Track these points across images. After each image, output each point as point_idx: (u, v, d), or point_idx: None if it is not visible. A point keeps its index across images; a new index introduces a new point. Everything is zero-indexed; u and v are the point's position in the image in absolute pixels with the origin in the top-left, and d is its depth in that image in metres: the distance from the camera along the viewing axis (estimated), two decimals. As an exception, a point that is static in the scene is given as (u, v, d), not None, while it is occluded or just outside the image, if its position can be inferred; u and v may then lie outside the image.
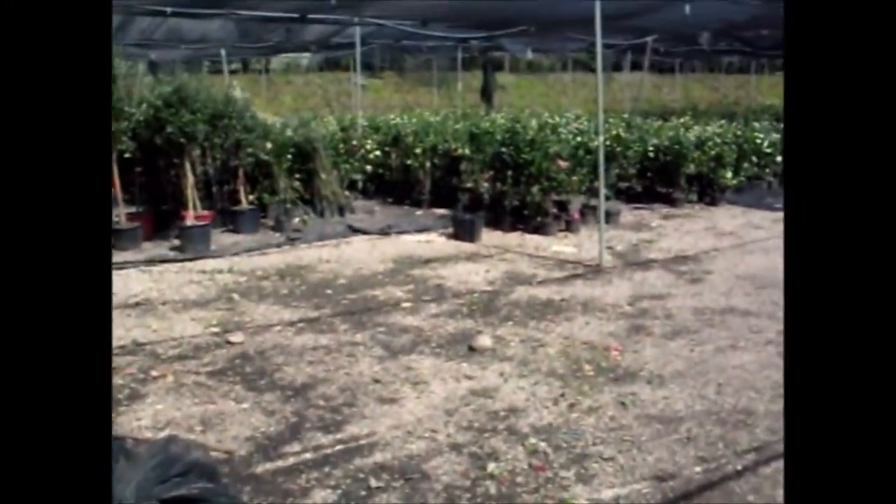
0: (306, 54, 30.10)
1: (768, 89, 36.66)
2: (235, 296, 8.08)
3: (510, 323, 7.08)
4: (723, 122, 16.72)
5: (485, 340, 6.47)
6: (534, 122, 15.15)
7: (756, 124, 16.29)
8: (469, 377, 5.83)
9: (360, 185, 14.12)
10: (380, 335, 6.77)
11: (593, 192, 12.12)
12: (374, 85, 33.86)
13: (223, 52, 19.93)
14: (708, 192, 13.94)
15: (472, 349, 6.38)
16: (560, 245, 10.41)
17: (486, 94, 24.90)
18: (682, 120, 16.98)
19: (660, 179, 14.04)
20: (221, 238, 10.95)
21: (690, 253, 9.91)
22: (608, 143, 12.47)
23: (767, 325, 6.96)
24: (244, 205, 11.69)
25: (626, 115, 18.43)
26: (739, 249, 10.11)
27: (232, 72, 34.42)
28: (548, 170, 10.94)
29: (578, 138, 12.30)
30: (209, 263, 9.56)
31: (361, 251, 10.13)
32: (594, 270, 8.98)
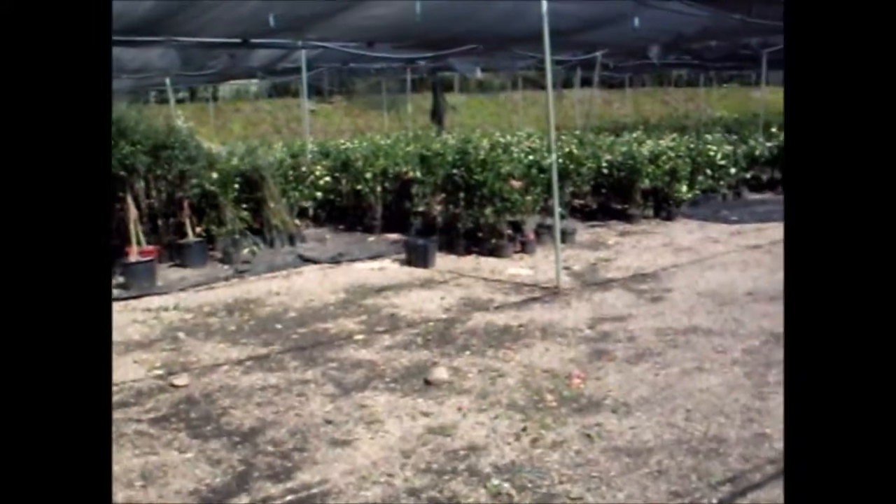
0: (254, 81, 29.82)
1: (717, 101, 36.86)
2: (181, 334, 7.73)
3: (467, 353, 6.80)
4: (675, 135, 16.64)
5: (441, 373, 6.18)
6: (485, 142, 15.02)
7: (708, 136, 16.22)
8: (426, 414, 5.54)
9: (310, 212, 13.81)
10: (332, 371, 6.46)
11: (548, 212, 11.92)
12: (324, 110, 33.56)
13: (167, 80, 19.54)
14: (663, 206, 13.78)
15: (428, 383, 6.09)
16: (516, 267, 10.17)
17: (437, 115, 24.68)
18: (634, 135, 16.88)
19: (615, 196, 13.87)
20: (168, 273, 10.58)
21: (649, 270, 9.70)
22: (561, 160, 12.30)
23: (731, 345, 6.75)
24: (190, 238, 11.32)
25: (577, 132, 18.33)
26: (698, 265, 9.92)
27: (179, 101, 34.04)
28: (500, 190, 10.70)
29: (531, 157, 12.09)
30: (154, 301, 9.20)
31: (312, 282, 9.82)
32: (552, 293, 8.73)
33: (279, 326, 7.87)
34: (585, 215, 13.70)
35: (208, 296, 9.35)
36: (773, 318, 7.49)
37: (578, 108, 28.60)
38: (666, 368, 6.24)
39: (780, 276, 9.06)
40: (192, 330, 7.89)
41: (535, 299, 8.53)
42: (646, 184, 13.44)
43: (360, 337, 7.38)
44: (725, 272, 9.45)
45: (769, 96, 23.74)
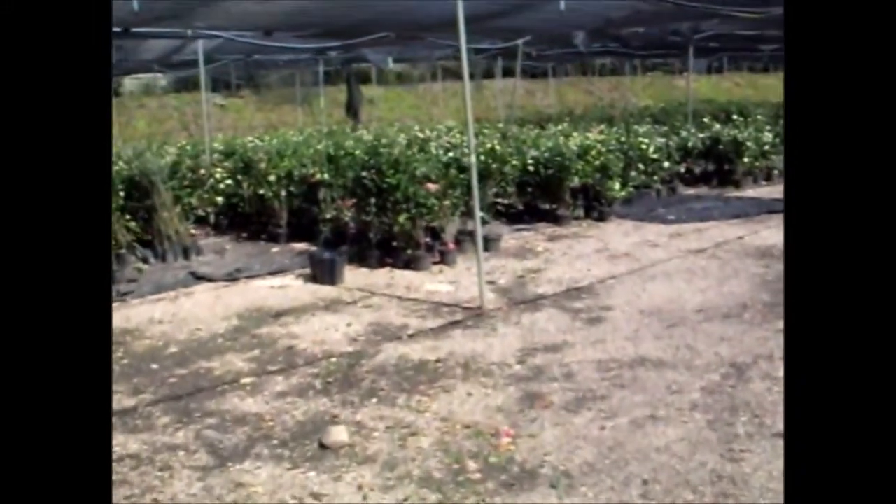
0: (160, 75, 28.22)
1: (642, 90, 36.18)
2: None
3: (374, 400, 5.66)
4: (602, 127, 15.69)
5: (340, 434, 5.02)
6: (402, 138, 13.88)
7: (639, 128, 15.28)
8: (317, 496, 4.38)
9: (211, 219, 12.52)
10: (209, 431, 5.26)
11: (469, 215, 10.83)
12: (234, 105, 32.05)
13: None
14: (595, 206, 12.78)
15: (324, 447, 4.93)
16: (435, 283, 9.05)
17: (352, 108, 23.50)
18: (559, 127, 15.89)
19: (542, 195, 12.79)
20: (39, 296, 9.26)
21: (584, 283, 8.66)
22: (483, 158, 11.20)
23: (687, 382, 5.72)
24: (67, 254, 10.00)
25: (500, 125, 17.29)
26: (639, 275, 8.91)
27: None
28: (415, 195, 9.57)
29: (450, 154, 11.00)
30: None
31: (203, 305, 8.58)
32: (475, 315, 7.63)
33: (155, 366, 6.64)
34: (510, 218, 12.59)
35: (80, 325, 8.07)
36: (730, 342, 6.50)
37: (500, 99, 27.63)
38: (613, 418, 5.16)
39: (731, 288, 8.09)
40: (50, 373, 6.63)
41: (455, 323, 7.42)
42: (575, 182, 12.41)
43: (248, 380, 6.19)
44: (670, 283, 8.45)
45: (693, 84, 23.00)
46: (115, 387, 6.21)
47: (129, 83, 33.63)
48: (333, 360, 6.55)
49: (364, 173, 9.90)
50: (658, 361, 6.14)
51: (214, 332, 7.55)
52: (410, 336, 7.10)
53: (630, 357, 6.27)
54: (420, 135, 15.52)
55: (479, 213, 8.11)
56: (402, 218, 9.54)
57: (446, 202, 9.91)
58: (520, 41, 16.76)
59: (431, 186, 9.64)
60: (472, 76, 39.82)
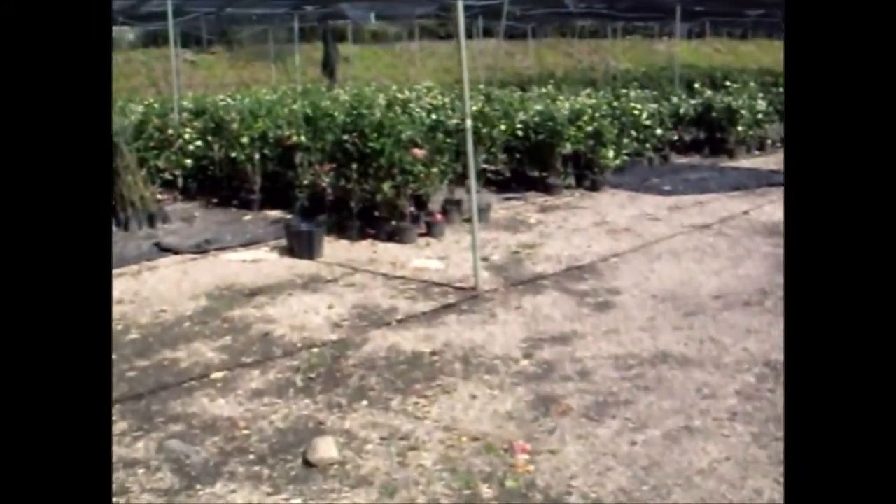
0: (127, 28, 27.14)
1: (622, 54, 35.37)
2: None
3: (364, 402, 4.93)
4: (588, 91, 14.91)
5: (328, 448, 4.28)
6: (381, 99, 13.08)
7: (629, 93, 14.52)
8: (303, 531, 3.68)
9: (179, 183, 11.68)
10: (173, 442, 4.51)
11: (455, 182, 10.11)
12: (205, 61, 30.93)
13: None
14: (587, 174, 12.07)
15: (309, 464, 4.21)
16: (422, 258, 8.31)
17: (328, 67, 22.60)
18: (544, 90, 15.09)
19: (531, 162, 12.04)
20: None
21: (586, 261, 7.96)
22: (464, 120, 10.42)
23: (719, 383, 5.04)
24: (21, 221, 9.18)
25: (481, 86, 16.48)
26: (643, 253, 8.22)
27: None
28: (401, 161, 8.80)
29: (433, 116, 10.22)
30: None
31: (168, 281, 7.79)
32: (470, 297, 6.92)
33: (113, 357, 5.88)
34: (499, 186, 11.85)
35: (32, 302, 7.29)
36: (758, 335, 5.82)
37: (479, 60, 26.84)
38: (643, 430, 4.47)
39: (746, 271, 7.42)
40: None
41: (449, 307, 6.70)
42: (567, 148, 11.68)
43: (218, 375, 5.44)
44: (678, 264, 7.76)
45: (675, 48, 22.30)
46: (66, 380, 5.46)
47: (95, 37, 32.47)
48: (315, 350, 5.81)
49: (345, 137, 9.11)
50: (682, 358, 5.45)
51: (181, 314, 6.79)
52: (400, 322, 6.37)
53: (650, 352, 5.58)
54: (399, 95, 14.67)
55: (474, 182, 7.34)
56: (386, 186, 8.78)
57: (434, 169, 9.16)
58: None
59: (418, 152, 8.88)
60: (448, 36, 38.88)
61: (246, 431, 4.61)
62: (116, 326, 6.52)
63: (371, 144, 8.80)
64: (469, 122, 7.16)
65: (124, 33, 31.80)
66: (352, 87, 18.58)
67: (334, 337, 6.07)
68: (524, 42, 34.42)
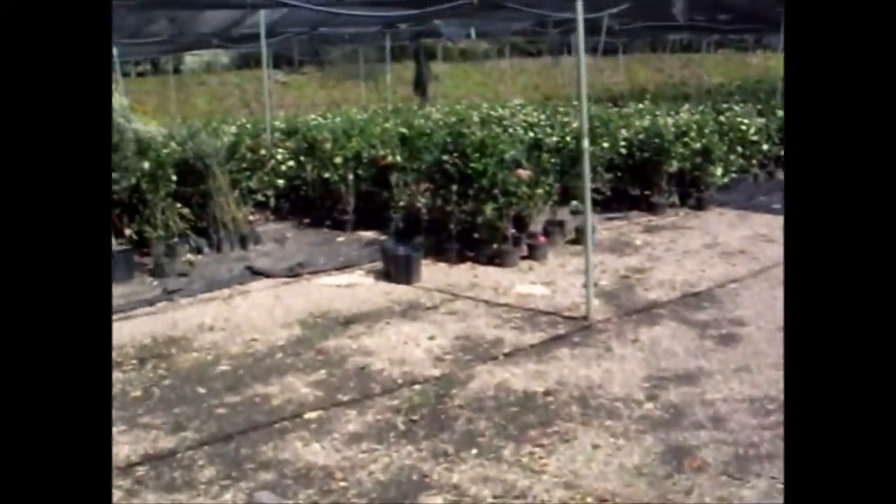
0: (220, 51, 27.27)
1: (713, 68, 34.47)
2: (58, 406, 5.38)
3: (474, 451, 4.45)
4: (687, 105, 14.24)
5: (436, 507, 3.84)
6: (475, 116, 12.66)
7: (735, 107, 13.83)
8: None
9: (270, 203, 11.37)
10: (262, 496, 4.09)
11: (556, 202, 9.63)
12: (296, 81, 30.98)
13: (115, 50, 17.06)
14: (691, 193, 11.47)
15: (414, 525, 3.76)
16: (526, 283, 7.82)
17: (420, 85, 22.26)
18: (640, 106, 14.48)
19: (633, 181, 11.47)
20: (79, 292, 8.22)
21: (702, 288, 7.39)
22: (568, 138, 9.94)
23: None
24: (112, 246, 8.94)
25: (575, 103, 15.93)
26: (763, 279, 7.60)
27: (140, 74, 31.54)
28: (504, 182, 8.34)
29: (530, 133, 9.73)
30: (48, 337, 6.86)
31: (260, 307, 7.44)
32: (581, 328, 6.41)
33: (202, 390, 5.52)
34: (599, 205, 11.27)
35: (122, 331, 6.98)
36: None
37: (569, 76, 26.31)
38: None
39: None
40: (78, 396, 5.54)
41: (559, 339, 6.20)
42: (673, 166, 11.10)
43: (313, 414, 5.02)
44: (806, 291, 7.14)
45: (770, 62, 21.50)
46: (152, 419, 5.10)
47: (190, 60, 32.79)
48: (417, 387, 5.36)
49: (445, 157, 8.64)
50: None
51: (273, 343, 6.41)
52: (507, 355, 5.89)
53: (789, 394, 5.01)
54: (493, 113, 14.20)
55: (589, 204, 6.83)
56: (488, 208, 8.32)
57: (539, 190, 8.67)
58: (603, 13, 15.44)
59: (522, 173, 8.41)
60: (538, 53, 38.37)
61: (343, 483, 4.16)
62: (207, 357, 6.18)
63: (473, 165, 8.33)
64: (587, 142, 6.65)
65: (218, 56, 32.08)
66: (442, 105, 18.22)
67: (437, 372, 5.61)
68: (614, 58, 33.79)
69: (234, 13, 13.04)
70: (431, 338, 6.31)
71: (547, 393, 5.15)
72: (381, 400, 5.18)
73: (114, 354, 6.33)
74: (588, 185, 6.76)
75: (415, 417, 4.88)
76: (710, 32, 27.09)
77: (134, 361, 6.18)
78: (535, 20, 17.26)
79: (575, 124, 10.56)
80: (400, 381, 5.49)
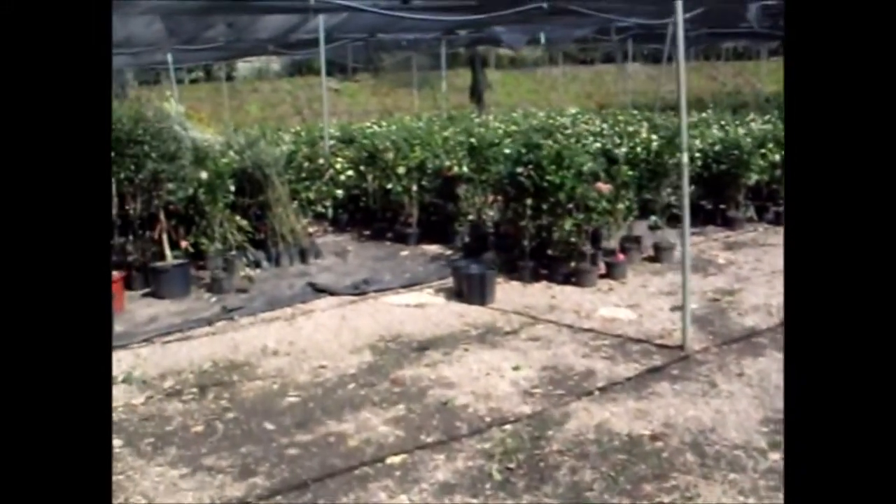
0: (274, 58, 27.03)
1: (766, 76, 33.70)
2: (117, 443, 4.94)
3: (583, 509, 3.95)
4: (752, 116, 13.61)
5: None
6: (534, 123, 12.18)
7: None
8: None
9: (329, 214, 10.92)
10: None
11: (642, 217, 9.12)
12: (349, 89, 30.69)
13: (169, 57, 16.76)
14: (768, 207, 10.90)
15: None
16: (609, 305, 7.29)
17: (476, 93, 21.80)
18: (703, 115, 13.88)
19: (708, 194, 10.90)
20: (135, 308, 7.83)
21: (804, 314, 6.81)
22: (639, 148, 9.39)
23: None
24: (168, 259, 8.54)
25: (635, 112, 15.39)
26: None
27: (193, 81, 31.40)
28: (583, 196, 7.82)
29: (596, 144, 9.19)
30: (103, 359, 6.44)
31: (326, 329, 6.98)
32: (678, 359, 5.87)
33: (270, 427, 5.05)
34: (673, 219, 10.73)
35: (179, 353, 6.56)
36: None
37: (621, 84, 25.80)
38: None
39: None
40: (137, 431, 5.10)
41: (656, 371, 5.67)
42: (751, 179, 10.53)
43: (396, 459, 4.52)
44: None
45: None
46: (217, 460, 4.64)
47: (243, 67, 32.66)
48: (508, 427, 4.85)
49: (519, 169, 8.13)
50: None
51: (343, 371, 5.94)
52: (602, 390, 5.37)
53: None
54: (550, 120, 13.65)
55: (687, 222, 6.26)
56: (567, 223, 7.80)
57: (620, 205, 8.15)
58: (669, 20, 14.87)
59: (603, 186, 7.89)
60: (591, 60, 37.72)
61: (439, 546, 3.67)
62: (272, 385, 5.72)
63: (549, 178, 7.82)
64: (685, 157, 6.11)
65: (270, 63, 31.90)
66: (497, 113, 17.72)
67: (528, 409, 5.10)
68: (666, 66, 33.08)
69: (293, 19, 12.67)
70: (516, 368, 5.80)
71: (654, 437, 4.62)
72: (469, 442, 4.68)
73: (172, 381, 5.92)
74: (686, 202, 6.21)
75: (510, 465, 4.37)
76: (771, 39, 26.37)
77: (194, 390, 5.74)
78: (598, 26, 16.72)
79: (643, 134, 10.02)
80: (488, 419, 4.99)
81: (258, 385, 5.76)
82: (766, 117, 13.20)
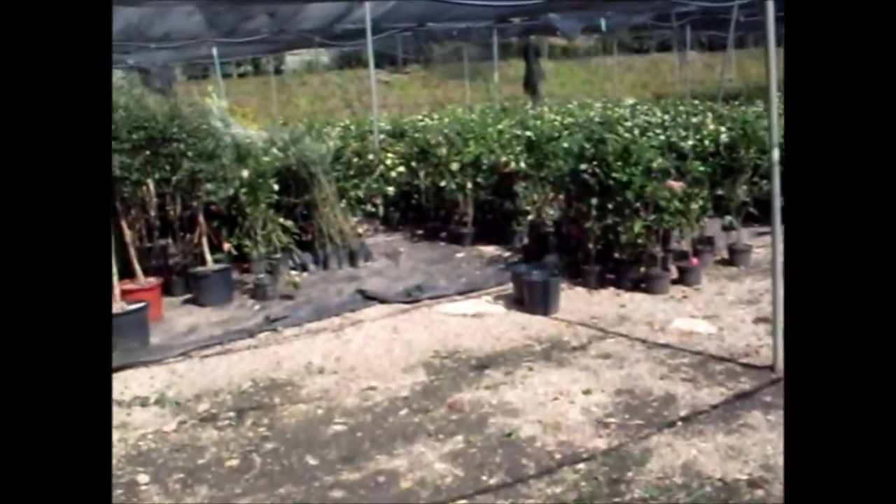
0: (322, 50, 26.60)
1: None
2: (143, 478, 4.43)
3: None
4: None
5: None
6: (593, 115, 11.52)
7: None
8: None
9: (379, 212, 10.36)
10: None
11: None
12: (399, 81, 30.20)
13: (214, 51, 16.31)
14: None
15: None
16: (685, 317, 6.64)
17: (531, 83, 21.13)
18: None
19: (782, 190, 10.15)
20: (173, 317, 7.38)
21: None
22: (708, 142, 8.69)
23: None
24: (209, 264, 8.05)
25: (695, 101, 14.61)
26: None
27: (241, 75, 31.09)
28: (654, 195, 7.19)
29: (661, 137, 8.50)
30: (138, 377, 5.99)
31: (376, 342, 6.43)
32: (769, 382, 5.20)
33: (313, 462, 4.50)
34: (746, 218, 10.04)
35: (218, 369, 6.06)
36: None
37: (680, 73, 25.03)
38: None
39: None
40: (167, 464, 4.58)
41: (746, 397, 5.01)
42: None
43: (455, 505, 3.97)
44: None
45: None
46: (252, 501, 4.10)
47: (291, 60, 32.33)
48: (581, 467, 4.24)
49: (583, 165, 7.49)
50: None
51: (394, 394, 5.38)
52: (685, 420, 4.74)
53: None
54: (609, 112, 12.92)
55: (778, 226, 5.61)
56: (637, 224, 7.17)
57: (694, 205, 7.49)
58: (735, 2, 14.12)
59: (675, 184, 7.25)
60: (646, 49, 36.84)
61: None
62: (317, 410, 5.18)
63: (615, 175, 7.19)
64: (777, 154, 5.45)
65: (320, 55, 31.50)
66: (551, 104, 17.06)
67: (603, 444, 4.49)
68: (724, 53, 32.12)
69: (338, 7, 12.14)
70: (587, 392, 5.20)
71: (753, 484, 3.98)
72: (538, 485, 4.08)
73: (208, 403, 5.41)
74: (778, 204, 5.54)
75: (588, 516, 3.78)
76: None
77: (231, 414, 5.22)
78: (657, 12, 16.01)
79: (712, 126, 9.33)
80: (558, 455, 4.39)
81: (301, 409, 5.22)
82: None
